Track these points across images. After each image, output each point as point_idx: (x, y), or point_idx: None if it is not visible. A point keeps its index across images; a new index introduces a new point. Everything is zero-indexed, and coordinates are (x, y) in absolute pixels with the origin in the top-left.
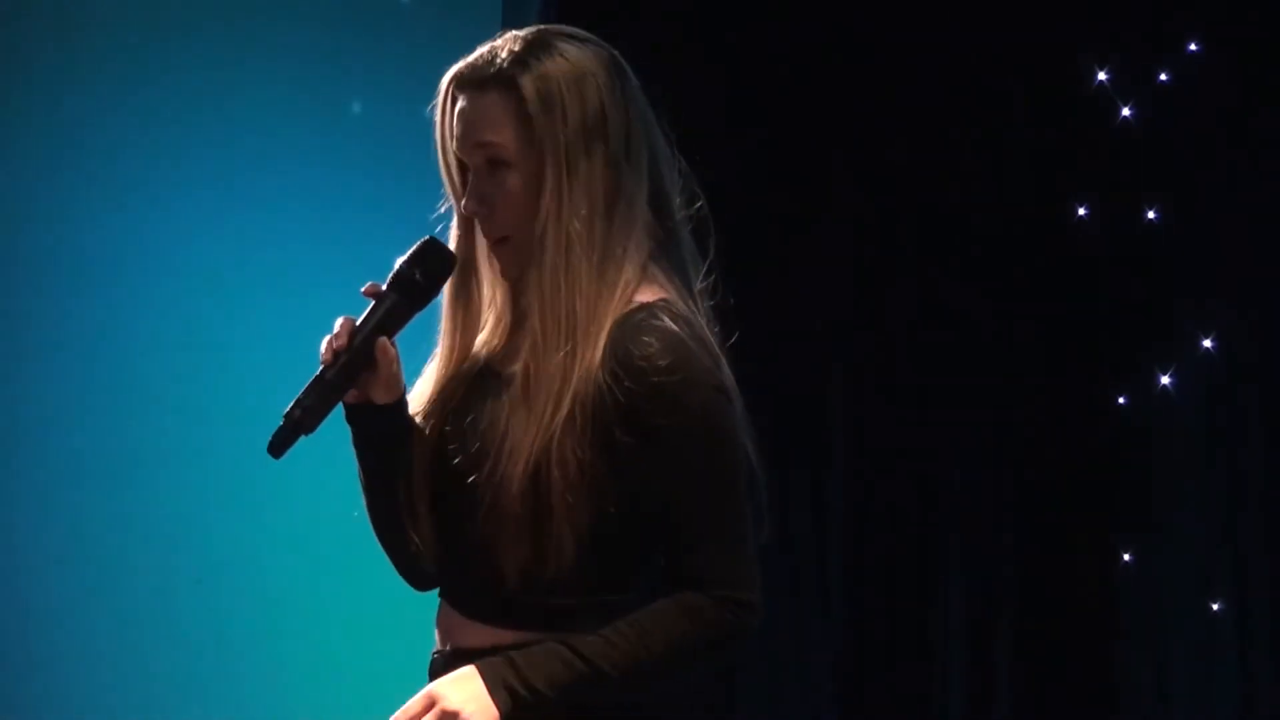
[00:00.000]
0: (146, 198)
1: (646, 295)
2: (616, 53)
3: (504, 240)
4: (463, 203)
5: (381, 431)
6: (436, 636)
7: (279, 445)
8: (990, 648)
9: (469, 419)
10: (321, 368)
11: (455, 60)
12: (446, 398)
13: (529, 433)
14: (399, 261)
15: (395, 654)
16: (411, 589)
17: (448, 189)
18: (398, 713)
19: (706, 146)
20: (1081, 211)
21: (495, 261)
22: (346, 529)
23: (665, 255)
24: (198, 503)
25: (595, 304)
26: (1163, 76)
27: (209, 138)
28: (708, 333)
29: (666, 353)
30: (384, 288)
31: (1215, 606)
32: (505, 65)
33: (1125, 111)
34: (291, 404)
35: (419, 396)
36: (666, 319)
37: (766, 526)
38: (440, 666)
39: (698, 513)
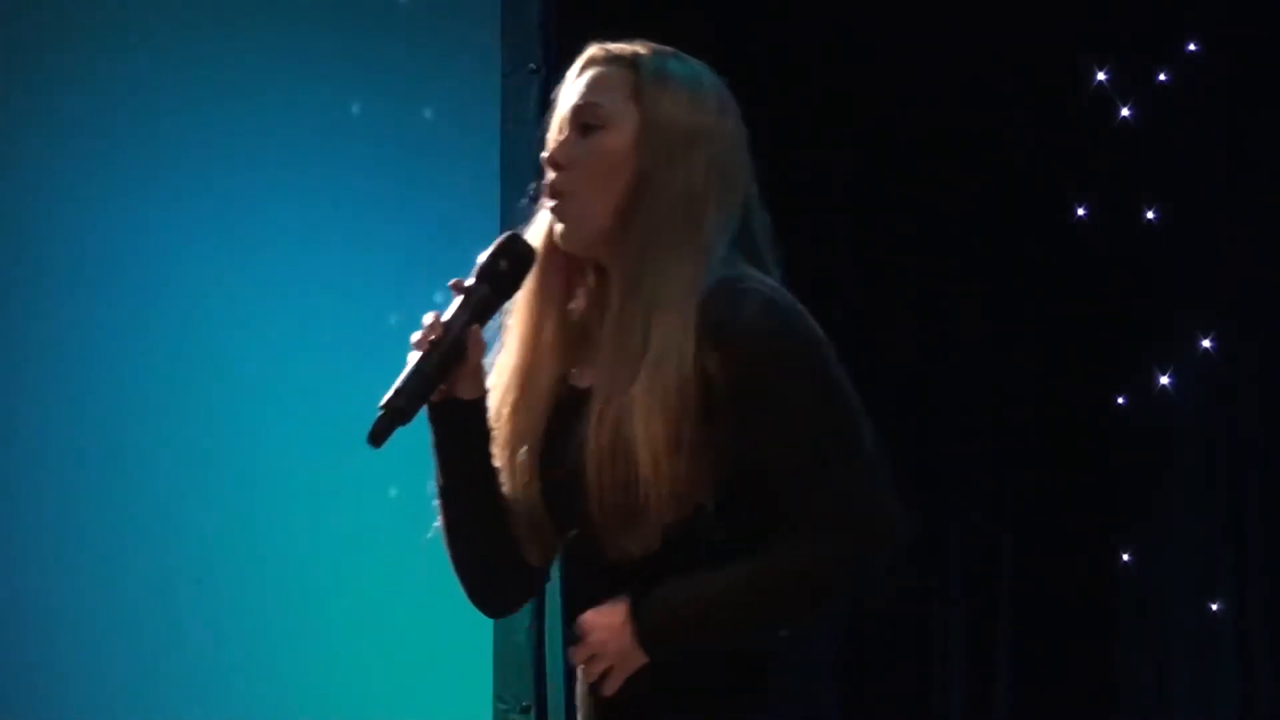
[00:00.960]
0: (143, 198)
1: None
2: (727, 91)
3: (565, 199)
4: (544, 154)
5: (467, 429)
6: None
7: (380, 435)
8: (990, 648)
9: (557, 413)
10: (418, 359)
11: (453, 60)
12: (524, 396)
13: (610, 426)
14: (481, 256)
15: (395, 654)
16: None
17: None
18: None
19: None
20: (1081, 211)
21: (554, 227)
22: (346, 529)
23: (759, 263)
24: (198, 502)
25: (680, 288)
26: (1162, 76)
27: (206, 138)
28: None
29: (765, 314)
30: (470, 282)
31: (1215, 606)
32: (634, 52)
33: (1125, 111)
34: (390, 394)
35: (493, 391)
36: (756, 284)
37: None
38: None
39: (816, 463)
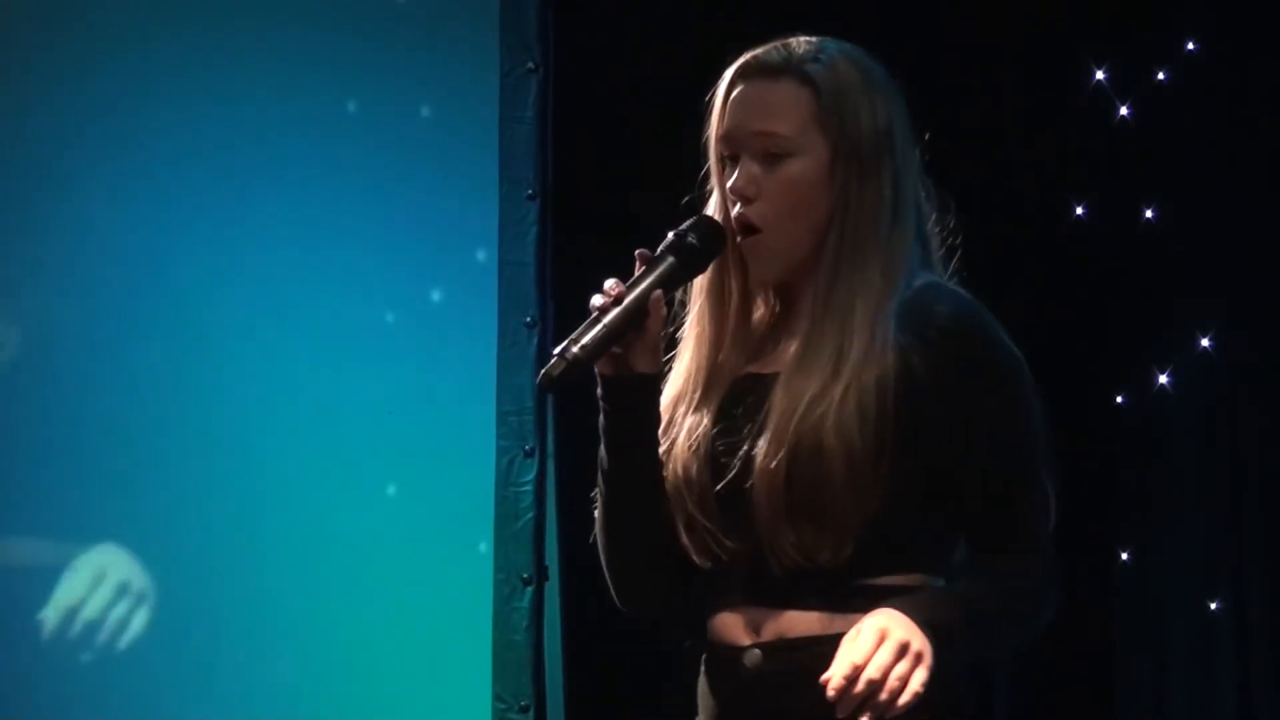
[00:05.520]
0: (140, 197)
1: (923, 281)
2: (887, 70)
3: (755, 231)
4: (729, 182)
5: (639, 409)
6: (721, 637)
7: (554, 382)
8: None
9: (736, 414)
10: (596, 313)
11: (451, 58)
12: (707, 392)
13: (804, 416)
14: (671, 232)
15: (394, 653)
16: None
17: (715, 181)
18: (855, 650)
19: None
20: (1079, 210)
21: (748, 259)
22: (345, 528)
23: (929, 261)
24: (196, 501)
25: (878, 295)
26: (1161, 76)
27: (203, 135)
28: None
29: (963, 318)
30: (657, 253)
31: (1214, 606)
32: (801, 59)
33: (1123, 111)
34: (566, 341)
35: (666, 393)
36: (954, 288)
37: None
38: (757, 661)
39: (1015, 472)
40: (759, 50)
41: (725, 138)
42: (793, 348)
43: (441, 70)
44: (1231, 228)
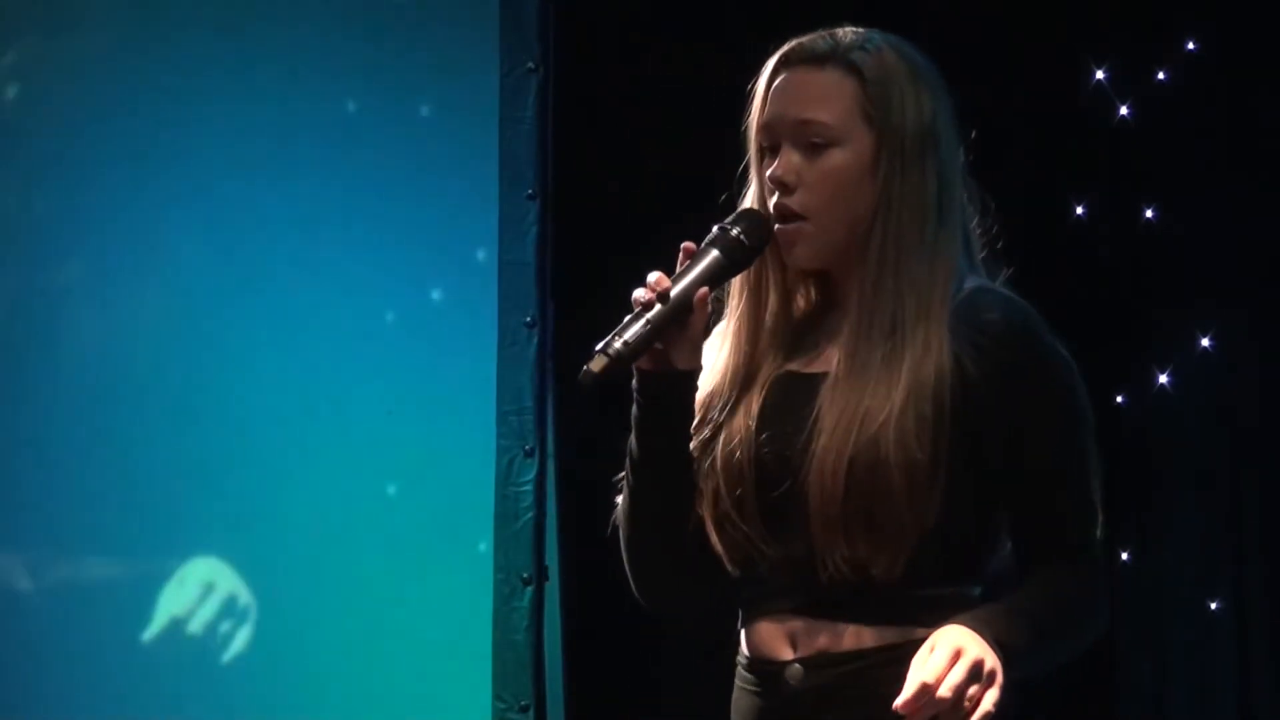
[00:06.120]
0: (138, 197)
1: (972, 283)
2: (933, 63)
3: (796, 220)
4: (769, 171)
5: (675, 405)
6: (758, 649)
7: (594, 378)
8: None
9: (781, 415)
10: (638, 309)
11: (451, 57)
12: (746, 389)
13: (856, 426)
14: (716, 226)
15: (394, 653)
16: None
17: (754, 173)
18: (927, 670)
19: (703, 142)
20: (1080, 210)
21: (784, 244)
22: (344, 527)
23: (974, 257)
24: (195, 501)
25: (928, 296)
26: (1161, 76)
27: (202, 134)
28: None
29: (1015, 324)
30: (702, 246)
31: (1214, 606)
32: (847, 48)
33: (1123, 110)
34: (609, 338)
35: (703, 388)
36: (1009, 293)
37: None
38: (799, 676)
39: (1070, 480)
40: (803, 38)
41: (766, 127)
42: (838, 347)
43: (441, 70)
44: (1231, 228)
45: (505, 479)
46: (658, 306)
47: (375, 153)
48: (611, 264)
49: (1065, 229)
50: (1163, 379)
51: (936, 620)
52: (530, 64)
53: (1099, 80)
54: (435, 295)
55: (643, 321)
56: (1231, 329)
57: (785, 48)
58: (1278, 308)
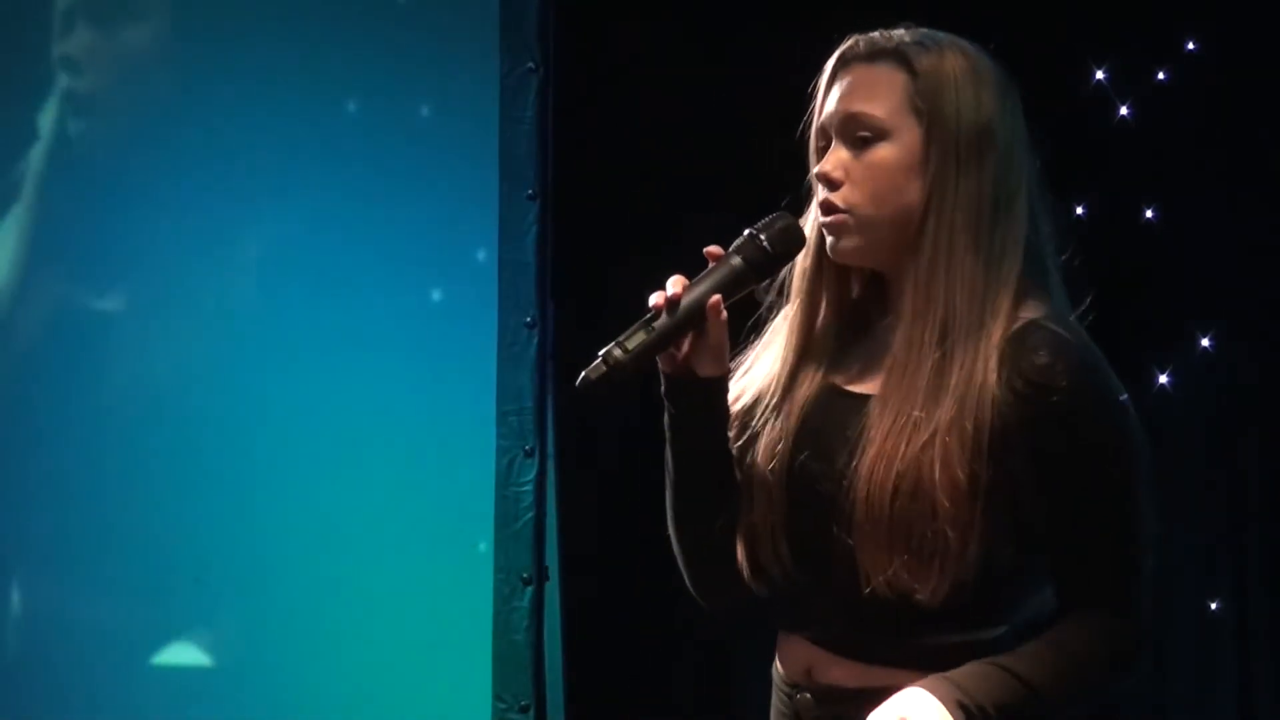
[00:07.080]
0: (137, 196)
1: (1031, 311)
2: (1006, 71)
3: (841, 214)
4: (816, 168)
5: (703, 410)
6: (783, 668)
7: (592, 385)
8: None
9: (822, 424)
10: (649, 314)
11: (451, 58)
12: (787, 398)
13: (904, 442)
14: (748, 229)
15: (394, 653)
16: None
17: (811, 176)
18: None
19: (703, 142)
20: (1079, 210)
21: (828, 239)
22: (344, 527)
23: (1040, 275)
24: (195, 501)
25: (981, 301)
26: (1161, 76)
27: (202, 134)
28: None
29: (1073, 370)
30: (728, 251)
31: (1214, 606)
32: (902, 44)
33: (1123, 110)
34: (612, 344)
35: (747, 391)
36: (1064, 331)
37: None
38: (809, 706)
39: (1104, 534)
40: (860, 36)
41: (821, 128)
42: (887, 361)
43: (441, 70)
44: (1231, 228)
45: (505, 479)
46: (664, 316)
47: (375, 153)
48: (611, 264)
49: (1065, 228)
50: (1163, 379)
51: (943, 667)
52: (530, 64)
53: (1099, 80)
54: (435, 295)
55: (647, 330)
56: (1231, 329)
57: (842, 46)
58: (1278, 308)
